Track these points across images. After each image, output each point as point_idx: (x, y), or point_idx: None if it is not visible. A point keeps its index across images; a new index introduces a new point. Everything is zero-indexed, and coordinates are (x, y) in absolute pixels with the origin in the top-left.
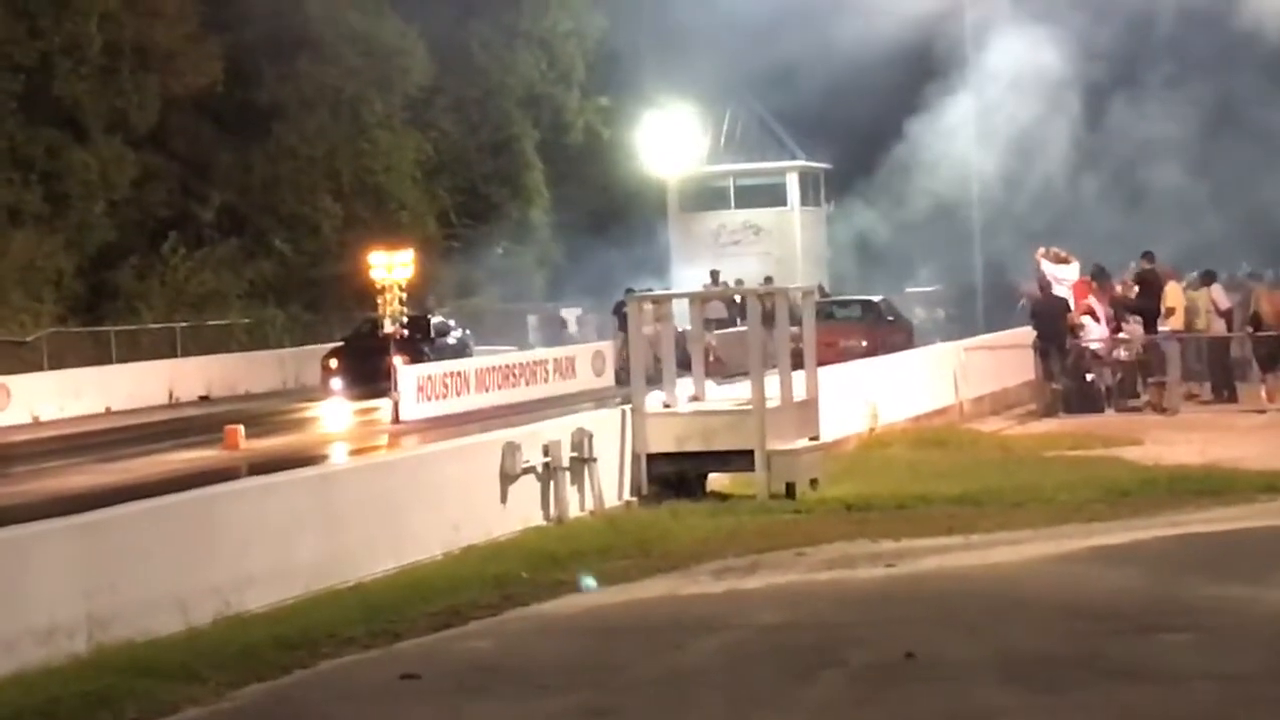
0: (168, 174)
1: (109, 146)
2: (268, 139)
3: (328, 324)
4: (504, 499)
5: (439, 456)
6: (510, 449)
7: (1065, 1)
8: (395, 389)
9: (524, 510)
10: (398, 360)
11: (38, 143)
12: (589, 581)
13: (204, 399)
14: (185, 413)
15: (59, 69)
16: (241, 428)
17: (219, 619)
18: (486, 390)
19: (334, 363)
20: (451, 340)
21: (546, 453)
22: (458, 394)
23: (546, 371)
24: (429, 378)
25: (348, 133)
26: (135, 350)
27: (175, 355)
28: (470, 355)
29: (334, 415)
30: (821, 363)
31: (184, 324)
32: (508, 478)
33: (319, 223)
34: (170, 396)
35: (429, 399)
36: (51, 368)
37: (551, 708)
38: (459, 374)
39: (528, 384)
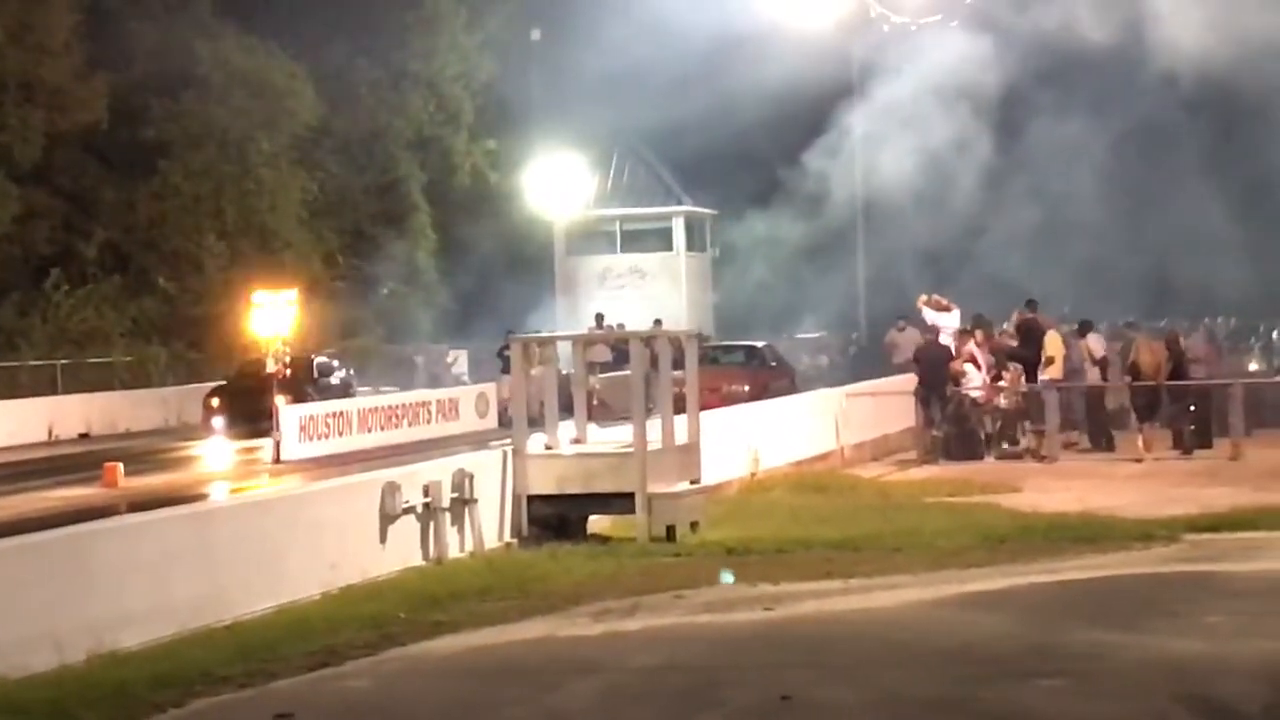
0: (51, 210)
1: None
2: (153, 176)
3: (211, 363)
4: (383, 539)
5: (318, 496)
6: (390, 489)
7: (964, 41)
8: (277, 428)
9: (403, 551)
10: (280, 400)
11: None
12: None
13: (84, 437)
14: (64, 450)
15: None
16: (120, 465)
17: (93, 657)
18: (369, 431)
19: (215, 401)
20: (335, 380)
21: (427, 493)
22: (340, 434)
23: (429, 412)
24: (311, 418)
25: (233, 171)
26: (14, 387)
27: (56, 393)
28: (354, 396)
29: (215, 454)
30: (705, 407)
31: (65, 361)
32: (387, 518)
33: (203, 261)
34: (50, 434)
35: (310, 439)
36: None
37: None
38: (341, 414)
39: (410, 425)
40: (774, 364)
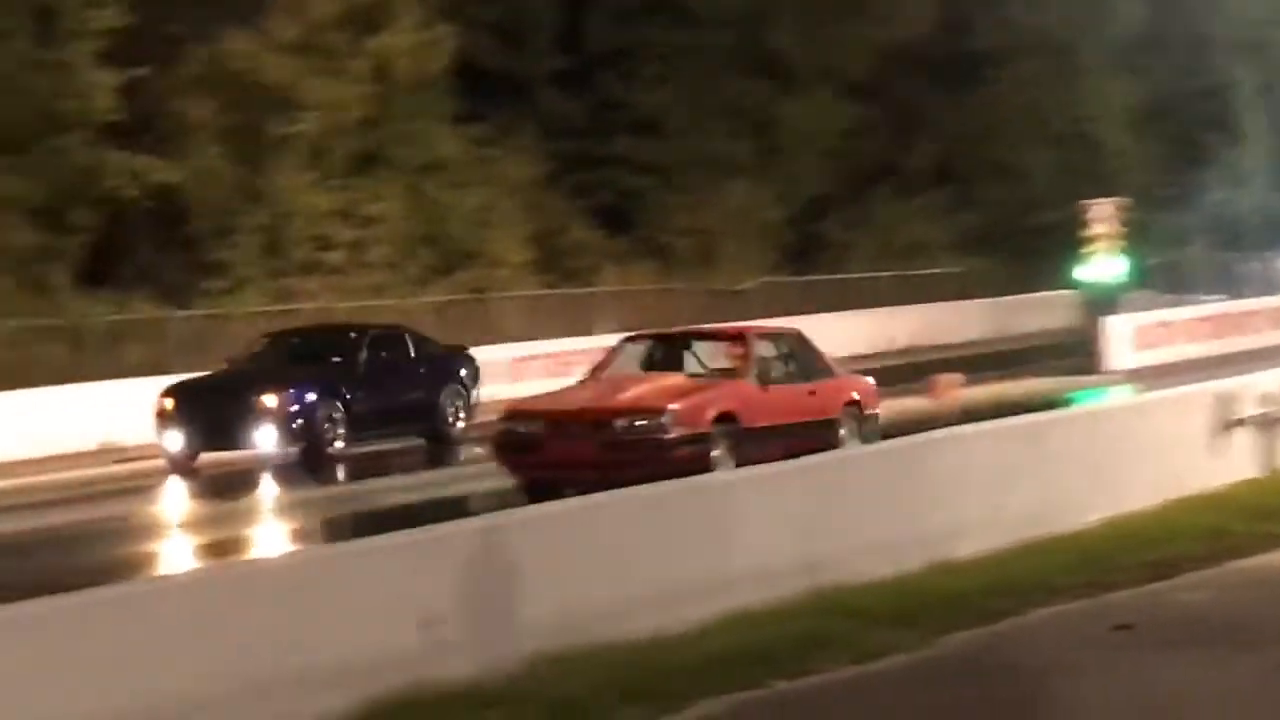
0: (877, 124)
1: (819, 97)
2: (978, 87)
3: (1035, 274)
4: (1215, 451)
5: (1150, 406)
6: (1223, 400)
7: None
8: (1101, 337)
9: (1237, 462)
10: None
11: (749, 95)
12: None
13: (908, 349)
14: (892, 361)
15: (769, 21)
16: (950, 376)
17: (928, 566)
18: (1194, 340)
19: (168, 403)
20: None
21: (1263, 403)
22: (1168, 344)
23: (1260, 322)
24: (1139, 328)
25: (1056, 80)
26: (841, 299)
27: (880, 305)
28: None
29: (1043, 367)
30: None
31: (889, 273)
32: (1219, 429)
33: (1028, 171)
34: (889, 342)
35: (1138, 349)
36: (762, 317)
37: (1259, 664)
38: (1167, 325)
39: (1239, 335)
40: None
